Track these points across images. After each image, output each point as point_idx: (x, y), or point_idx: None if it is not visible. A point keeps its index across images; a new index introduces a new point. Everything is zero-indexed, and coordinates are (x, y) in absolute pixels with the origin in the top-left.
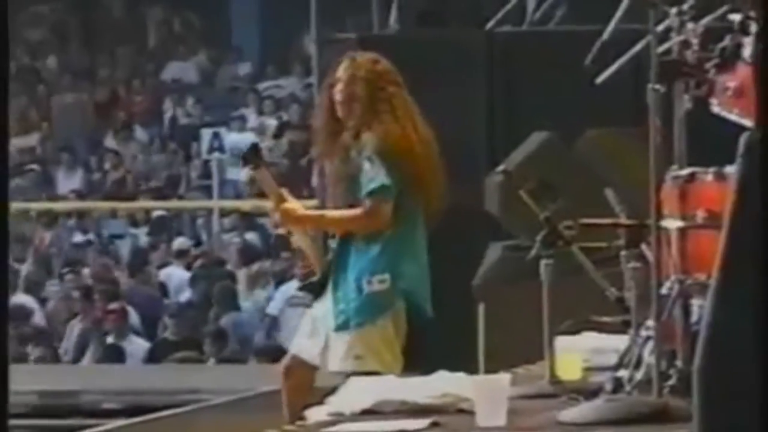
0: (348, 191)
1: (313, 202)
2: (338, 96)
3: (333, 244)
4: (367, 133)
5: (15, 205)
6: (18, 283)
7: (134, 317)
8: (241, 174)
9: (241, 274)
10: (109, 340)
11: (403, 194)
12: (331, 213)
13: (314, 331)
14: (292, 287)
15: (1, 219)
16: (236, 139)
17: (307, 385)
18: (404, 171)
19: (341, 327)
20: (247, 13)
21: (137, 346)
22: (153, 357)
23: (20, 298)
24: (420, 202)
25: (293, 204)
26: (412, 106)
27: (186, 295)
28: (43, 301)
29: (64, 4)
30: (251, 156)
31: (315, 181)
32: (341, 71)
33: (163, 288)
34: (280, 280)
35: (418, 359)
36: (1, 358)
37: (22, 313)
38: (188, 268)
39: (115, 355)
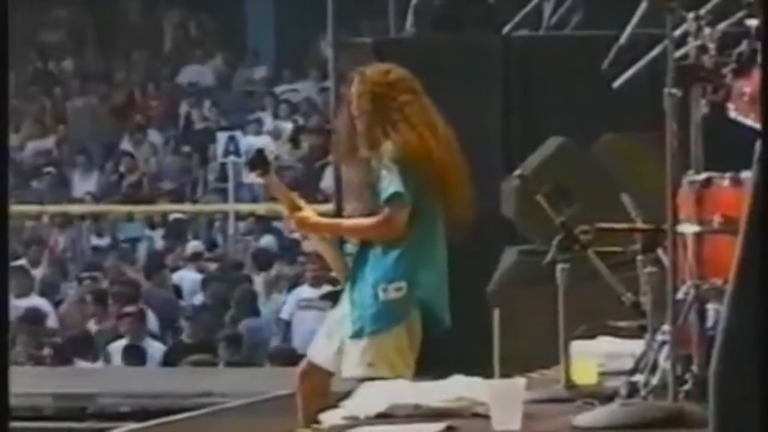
0: (369, 200)
1: (328, 206)
2: (353, 112)
3: (350, 249)
4: (386, 143)
5: (30, 208)
6: (33, 285)
7: (151, 320)
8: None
9: (258, 278)
10: (126, 342)
11: (422, 202)
12: (348, 221)
13: (330, 336)
14: (303, 291)
15: (1, 219)
16: (252, 142)
17: (322, 389)
18: (422, 178)
19: (356, 334)
20: (263, 16)
21: (154, 349)
22: (169, 360)
23: (35, 301)
24: (440, 210)
25: (307, 211)
26: (430, 112)
27: (200, 299)
28: (57, 304)
29: (81, 7)
30: (257, 162)
31: (330, 185)
32: (352, 88)
33: (177, 291)
34: (293, 284)
35: (432, 366)
36: (2, 358)
37: (37, 315)
38: (202, 271)
39: (135, 357)
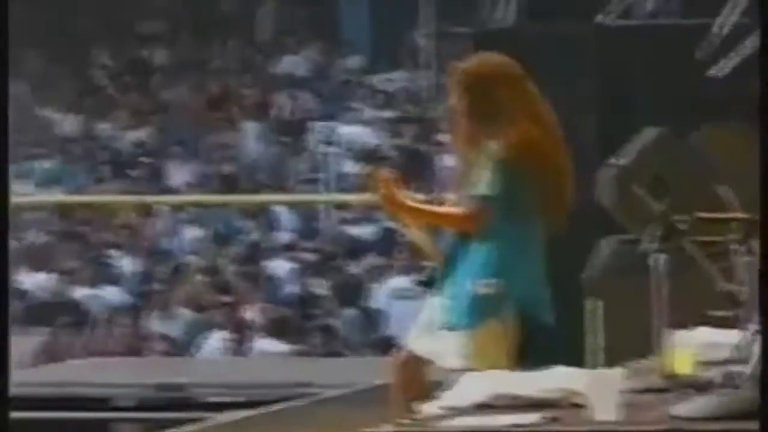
0: (466, 193)
1: (425, 197)
2: (453, 107)
3: (447, 241)
4: (488, 141)
5: (126, 198)
6: (122, 275)
7: (250, 311)
8: (353, 167)
9: (353, 268)
10: (224, 333)
11: (520, 199)
12: (432, 207)
13: (428, 326)
14: (398, 281)
15: (2, 220)
16: (348, 132)
17: (419, 379)
18: (523, 176)
19: (451, 325)
20: (358, 5)
21: (250, 338)
22: (267, 350)
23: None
24: (539, 206)
25: (396, 191)
26: (533, 100)
27: (295, 288)
28: (150, 294)
29: None
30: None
31: (428, 174)
32: (450, 82)
33: (272, 281)
34: (388, 273)
35: (530, 357)
36: (2, 356)
37: (130, 306)
38: (296, 261)
39: (233, 347)
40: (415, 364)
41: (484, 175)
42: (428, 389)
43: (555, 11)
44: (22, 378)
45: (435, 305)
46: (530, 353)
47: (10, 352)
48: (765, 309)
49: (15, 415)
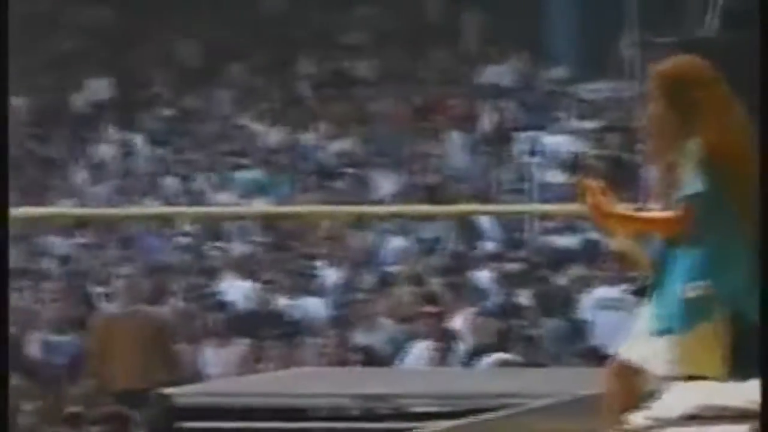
0: (671, 201)
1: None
2: (652, 111)
3: (655, 248)
4: (688, 142)
5: (328, 208)
6: (324, 285)
7: (455, 321)
8: (557, 177)
9: (558, 278)
10: (428, 344)
11: (724, 200)
12: (640, 213)
13: (641, 334)
14: (604, 290)
15: (2, 220)
16: (552, 141)
17: (632, 388)
18: (724, 177)
19: (661, 331)
20: (564, 16)
21: (454, 348)
22: (470, 360)
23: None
24: (743, 207)
25: (603, 200)
26: (726, 102)
27: (498, 299)
28: (349, 304)
29: (386, 6)
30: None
31: (632, 183)
32: (649, 86)
33: (475, 291)
34: (593, 284)
35: (740, 366)
36: (2, 361)
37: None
38: (500, 271)
39: (437, 358)
40: (629, 373)
41: (686, 176)
42: (640, 399)
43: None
44: (226, 388)
45: (646, 313)
46: (741, 354)
47: (9, 364)
48: (765, 308)
49: (217, 424)
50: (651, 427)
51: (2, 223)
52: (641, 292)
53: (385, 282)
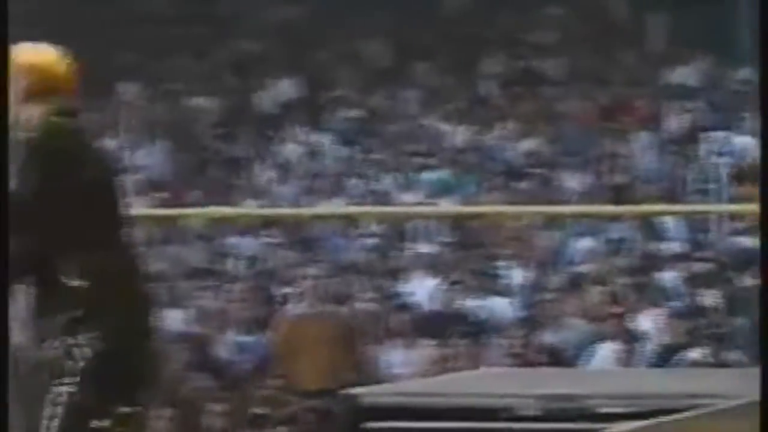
0: None
1: None
2: None
3: None
4: None
5: (519, 209)
6: (507, 285)
7: (642, 321)
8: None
9: (745, 279)
10: (615, 344)
11: None
12: None
13: None
14: None
15: (2, 219)
16: (740, 142)
17: None
18: None
19: None
20: (751, 16)
21: (638, 349)
22: (657, 361)
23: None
24: None
25: None
26: None
27: (685, 300)
28: (533, 305)
29: (570, 8)
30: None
31: None
32: None
33: (662, 292)
34: None
35: None
36: (2, 361)
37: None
38: (687, 272)
39: (622, 358)
40: None
41: None
42: None
43: None
44: (413, 388)
45: None
46: None
47: (8, 364)
48: (765, 307)
49: (405, 424)
50: None
51: (2, 223)
52: None
53: (574, 282)
